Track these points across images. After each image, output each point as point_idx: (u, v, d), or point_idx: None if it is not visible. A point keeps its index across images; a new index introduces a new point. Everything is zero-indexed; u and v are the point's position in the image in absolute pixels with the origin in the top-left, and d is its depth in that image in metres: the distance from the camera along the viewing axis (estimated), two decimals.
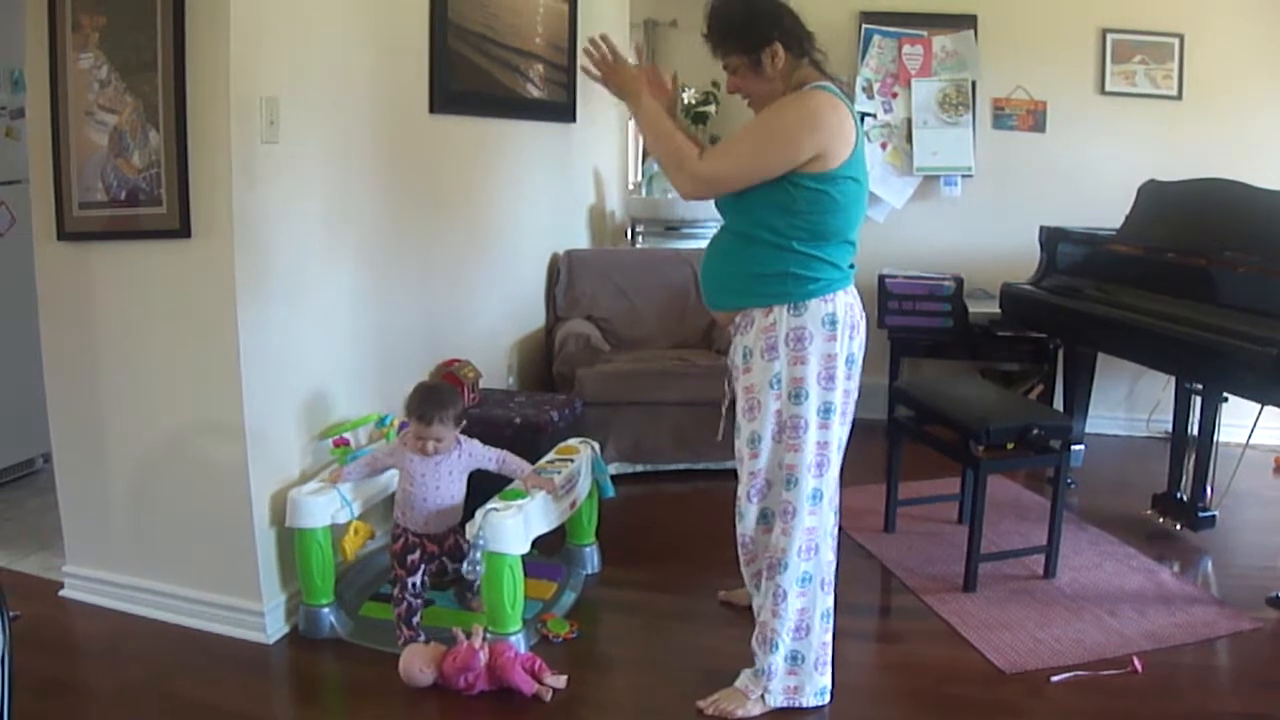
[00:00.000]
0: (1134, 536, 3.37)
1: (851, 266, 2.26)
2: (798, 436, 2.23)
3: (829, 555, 2.34)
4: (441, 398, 2.63)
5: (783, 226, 2.16)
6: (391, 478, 2.88)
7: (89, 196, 2.58)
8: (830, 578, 2.36)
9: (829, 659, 2.35)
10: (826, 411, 2.23)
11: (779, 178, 2.12)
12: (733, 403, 2.36)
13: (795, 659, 2.31)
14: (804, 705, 2.33)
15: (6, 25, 3.48)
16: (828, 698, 2.35)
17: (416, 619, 2.63)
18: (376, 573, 2.98)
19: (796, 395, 2.21)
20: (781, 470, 2.26)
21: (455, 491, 2.66)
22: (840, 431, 2.28)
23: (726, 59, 2.25)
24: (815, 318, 2.18)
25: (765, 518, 2.34)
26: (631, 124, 7.77)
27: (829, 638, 2.35)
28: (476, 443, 2.71)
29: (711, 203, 2.30)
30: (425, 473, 2.61)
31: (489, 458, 2.71)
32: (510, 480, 2.73)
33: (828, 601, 2.34)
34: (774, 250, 2.17)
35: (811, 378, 2.20)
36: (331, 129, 2.85)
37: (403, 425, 3.03)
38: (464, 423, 2.67)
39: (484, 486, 2.71)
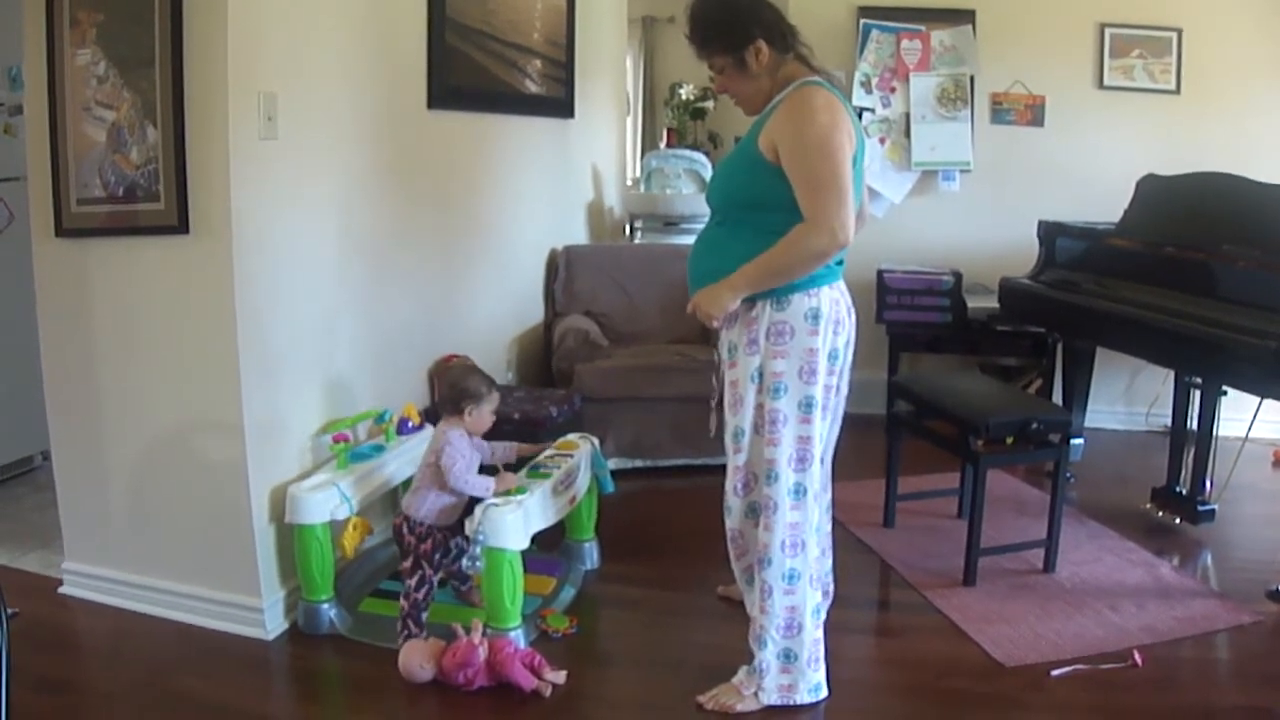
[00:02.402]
0: (1133, 530, 3.37)
1: (840, 262, 2.23)
2: (775, 431, 2.21)
3: (817, 551, 2.33)
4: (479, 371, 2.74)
5: (769, 221, 2.13)
6: (393, 473, 2.88)
7: (87, 193, 2.58)
8: (820, 574, 2.36)
9: (821, 655, 2.35)
10: (808, 406, 2.21)
11: (772, 172, 2.11)
12: (722, 397, 2.35)
13: (788, 657, 2.30)
14: (799, 703, 2.32)
15: (4, 21, 3.47)
16: (823, 693, 2.34)
17: (425, 616, 2.61)
18: (376, 568, 2.98)
19: (775, 390, 2.20)
20: (762, 464, 2.26)
21: None
22: (824, 427, 2.27)
23: (711, 60, 2.23)
24: (798, 312, 2.17)
25: (753, 512, 2.33)
26: (630, 121, 7.77)
27: (820, 633, 2.34)
28: None
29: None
30: (476, 465, 2.62)
31: (486, 446, 2.74)
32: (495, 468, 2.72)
33: (818, 598, 2.33)
34: (758, 245, 2.13)
35: (791, 372, 2.19)
36: (330, 125, 2.85)
37: (404, 422, 3.04)
38: None
39: None
